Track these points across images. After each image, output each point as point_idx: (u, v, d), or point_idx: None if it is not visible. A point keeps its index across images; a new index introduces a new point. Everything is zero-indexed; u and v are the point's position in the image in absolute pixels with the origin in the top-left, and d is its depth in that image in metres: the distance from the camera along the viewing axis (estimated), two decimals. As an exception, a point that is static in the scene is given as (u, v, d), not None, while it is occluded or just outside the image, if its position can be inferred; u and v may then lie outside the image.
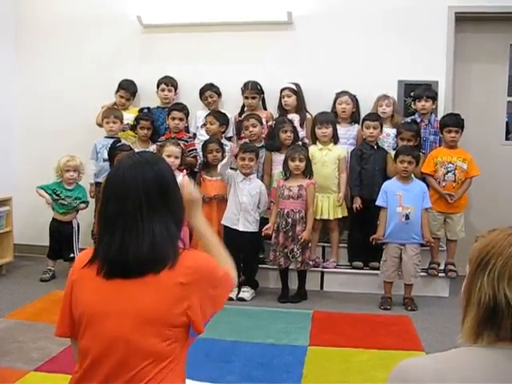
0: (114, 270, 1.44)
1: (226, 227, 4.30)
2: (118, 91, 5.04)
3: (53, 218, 4.74)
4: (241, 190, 4.28)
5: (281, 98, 4.78)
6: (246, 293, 4.28)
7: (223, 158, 4.44)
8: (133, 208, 1.46)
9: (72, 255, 4.58)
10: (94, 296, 1.45)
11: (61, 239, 4.69)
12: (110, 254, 1.45)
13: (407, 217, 4.06)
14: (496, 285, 1.03)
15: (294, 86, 4.76)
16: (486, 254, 1.07)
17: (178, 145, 4.36)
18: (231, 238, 4.09)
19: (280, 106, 4.81)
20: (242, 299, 4.22)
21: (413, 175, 4.24)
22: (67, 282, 1.55)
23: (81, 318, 1.46)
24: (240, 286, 4.32)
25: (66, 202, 4.69)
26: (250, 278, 4.39)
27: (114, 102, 5.03)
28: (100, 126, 4.87)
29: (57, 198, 4.68)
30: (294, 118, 4.71)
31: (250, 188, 4.29)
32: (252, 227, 4.28)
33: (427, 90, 4.61)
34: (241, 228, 4.24)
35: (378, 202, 4.18)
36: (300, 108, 4.77)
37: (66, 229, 4.69)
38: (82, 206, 4.77)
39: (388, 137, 4.64)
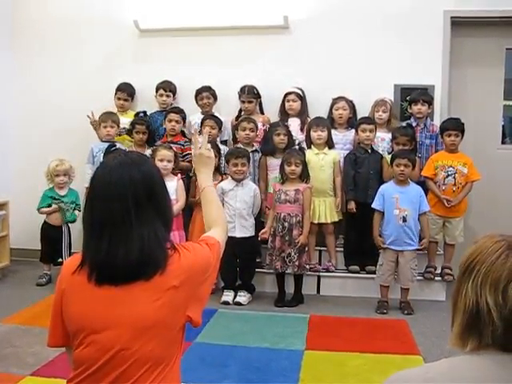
0: (104, 276, 1.40)
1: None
2: (115, 94, 5.04)
3: (44, 221, 4.70)
4: (234, 196, 4.27)
5: (285, 101, 4.76)
6: (243, 297, 4.27)
7: (220, 162, 4.45)
8: (120, 210, 1.41)
9: (60, 260, 4.52)
10: (89, 307, 1.41)
11: (54, 243, 4.62)
12: (99, 258, 1.40)
13: (404, 219, 4.07)
14: (479, 291, 1.05)
15: (300, 91, 4.74)
16: (472, 260, 1.09)
17: (171, 148, 4.35)
18: (228, 245, 4.06)
19: (282, 110, 4.80)
20: (239, 303, 4.22)
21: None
22: (56, 291, 1.50)
23: (77, 330, 1.42)
24: (236, 290, 4.33)
25: (69, 212, 4.67)
26: (247, 282, 4.38)
27: (101, 116, 4.83)
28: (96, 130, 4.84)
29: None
30: (295, 121, 4.71)
31: (243, 193, 4.28)
32: (249, 232, 4.28)
33: (423, 94, 4.62)
34: (238, 235, 4.21)
35: (374, 205, 4.18)
36: (302, 112, 4.76)
37: (58, 233, 4.63)
38: (76, 212, 4.75)
39: (383, 141, 4.64)
